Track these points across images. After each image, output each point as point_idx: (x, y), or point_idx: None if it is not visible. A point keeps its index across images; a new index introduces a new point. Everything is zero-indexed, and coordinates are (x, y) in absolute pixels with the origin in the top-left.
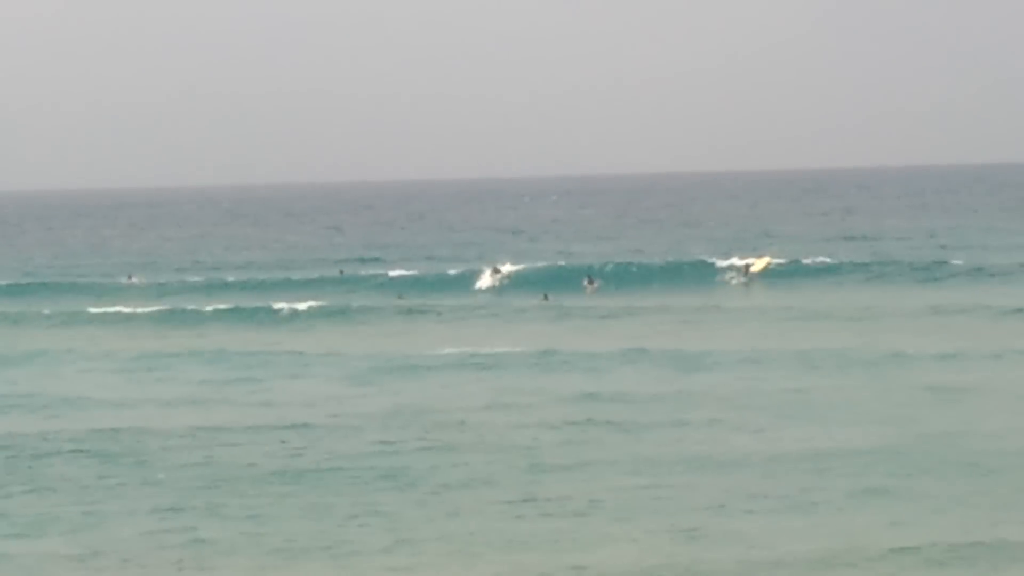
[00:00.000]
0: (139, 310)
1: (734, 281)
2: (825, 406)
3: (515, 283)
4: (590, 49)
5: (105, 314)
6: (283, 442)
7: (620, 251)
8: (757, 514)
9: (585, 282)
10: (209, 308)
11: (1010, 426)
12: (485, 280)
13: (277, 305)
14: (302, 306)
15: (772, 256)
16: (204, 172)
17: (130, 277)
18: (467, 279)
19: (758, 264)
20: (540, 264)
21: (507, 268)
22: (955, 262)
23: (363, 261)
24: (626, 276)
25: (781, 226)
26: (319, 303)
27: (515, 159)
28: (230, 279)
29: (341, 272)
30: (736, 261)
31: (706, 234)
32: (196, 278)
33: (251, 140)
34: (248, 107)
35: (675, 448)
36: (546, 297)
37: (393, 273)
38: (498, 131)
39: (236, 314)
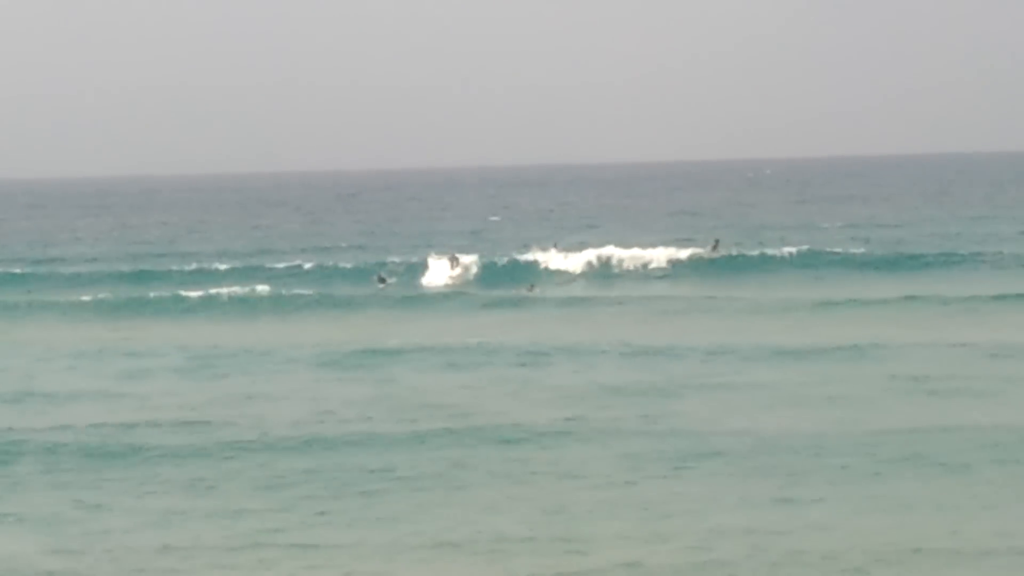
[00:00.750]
0: (114, 298)
1: (706, 256)
2: (806, 398)
3: (488, 274)
4: (580, 42)
5: (77, 303)
6: (266, 433)
7: (604, 239)
8: (748, 511)
9: (526, 289)
10: (184, 295)
11: (989, 420)
12: (441, 272)
13: (254, 293)
14: (279, 293)
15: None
16: (183, 161)
17: None
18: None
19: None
20: (503, 260)
21: (466, 259)
22: (930, 251)
23: (344, 248)
24: (609, 266)
25: (772, 216)
26: (297, 291)
27: (509, 149)
28: (207, 267)
29: (382, 280)
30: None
31: (695, 223)
32: (174, 267)
33: (233, 129)
34: (233, 97)
35: (665, 442)
36: (532, 287)
37: (374, 260)
38: (492, 121)
39: (212, 302)
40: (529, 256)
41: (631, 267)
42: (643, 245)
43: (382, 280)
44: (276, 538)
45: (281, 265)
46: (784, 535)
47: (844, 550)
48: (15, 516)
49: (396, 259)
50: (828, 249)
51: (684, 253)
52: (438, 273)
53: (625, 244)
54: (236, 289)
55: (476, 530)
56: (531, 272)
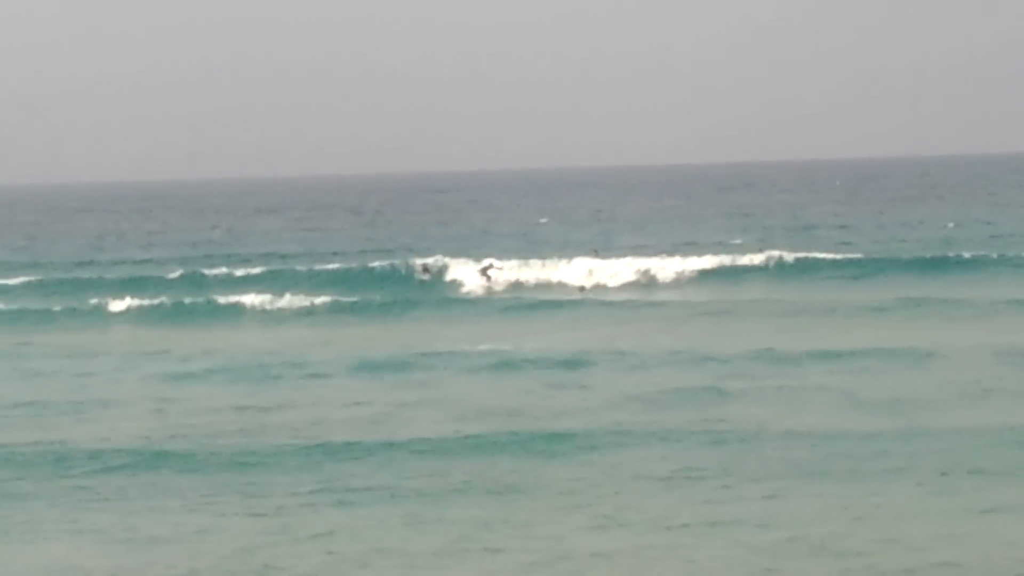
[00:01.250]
0: (159, 303)
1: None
2: (863, 401)
3: (529, 279)
4: (633, 44)
5: (123, 308)
6: (317, 439)
7: (650, 242)
8: (813, 518)
9: (577, 290)
10: (229, 300)
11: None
12: (476, 279)
13: (299, 296)
14: (326, 296)
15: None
16: (236, 164)
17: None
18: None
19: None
20: (543, 264)
21: (499, 267)
22: (982, 252)
23: (392, 250)
24: (653, 270)
25: (822, 217)
26: (342, 293)
27: (562, 151)
28: (254, 270)
29: (426, 270)
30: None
31: (745, 224)
32: (221, 269)
33: (287, 133)
34: (288, 102)
35: (724, 447)
36: (582, 288)
37: (420, 261)
38: (544, 123)
39: (257, 306)
40: (571, 261)
41: (676, 271)
42: (689, 248)
43: (426, 270)
44: (331, 543)
45: (331, 267)
46: (855, 542)
47: (920, 560)
48: (73, 528)
49: (438, 259)
50: (877, 250)
51: (729, 257)
52: (473, 280)
53: (671, 247)
54: (282, 293)
55: (533, 537)
56: (571, 277)
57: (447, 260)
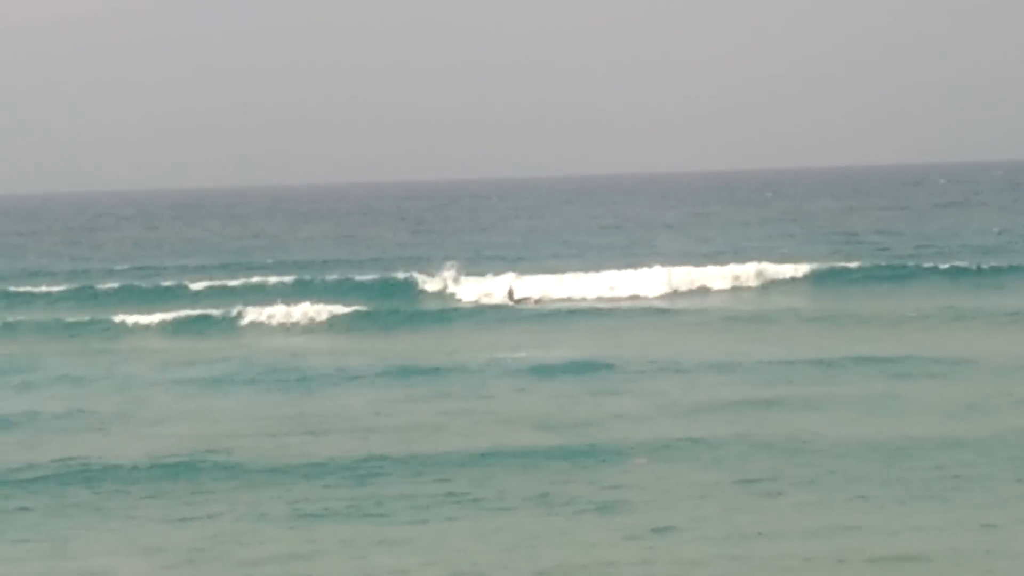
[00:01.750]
0: (191, 314)
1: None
2: (917, 409)
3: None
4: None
5: (160, 319)
6: (359, 451)
7: (687, 249)
8: (869, 531)
9: (610, 297)
10: (261, 310)
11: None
12: (504, 291)
13: (331, 307)
14: (356, 308)
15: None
16: (281, 173)
17: None
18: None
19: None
20: (572, 276)
21: (524, 288)
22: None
23: (425, 259)
24: (688, 281)
25: (865, 223)
26: (373, 306)
27: (609, 159)
28: (287, 279)
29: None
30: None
31: (787, 230)
32: (255, 279)
33: (331, 142)
34: (332, 111)
35: (773, 457)
36: (612, 290)
37: (448, 273)
38: (594, 132)
39: (290, 316)
40: (608, 268)
41: (718, 278)
42: (730, 255)
43: (512, 296)
44: (372, 552)
45: (367, 277)
46: (913, 550)
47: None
48: (112, 538)
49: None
50: (919, 255)
51: (772, 263)
52: (504, 289)
53: (713, 253)
54: (317, 302)
55: (576, 545)
56: (605, 285)
57: (461, 275)
